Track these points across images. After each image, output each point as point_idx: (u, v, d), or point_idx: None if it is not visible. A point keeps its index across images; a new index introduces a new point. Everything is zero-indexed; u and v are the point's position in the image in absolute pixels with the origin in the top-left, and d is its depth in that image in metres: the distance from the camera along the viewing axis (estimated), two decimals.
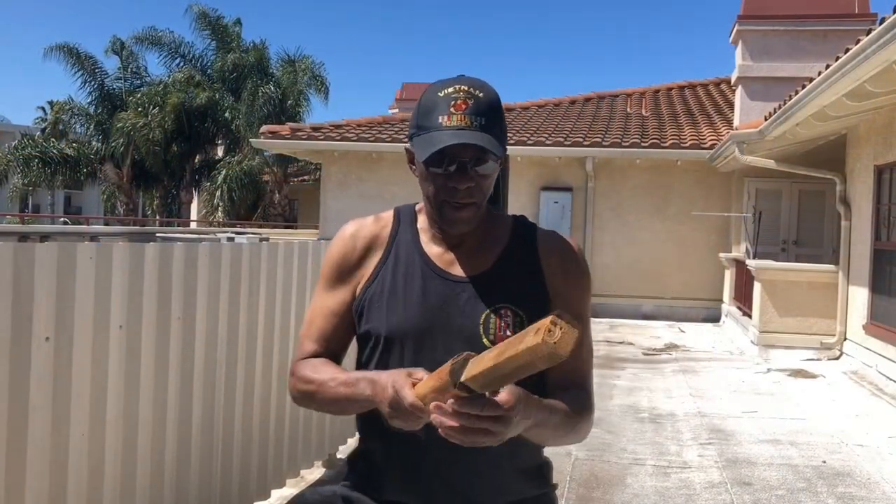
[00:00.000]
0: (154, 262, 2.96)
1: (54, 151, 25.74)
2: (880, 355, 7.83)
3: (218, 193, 24.16)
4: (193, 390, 3.25)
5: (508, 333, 1.37)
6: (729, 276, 13.02)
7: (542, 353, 1.07)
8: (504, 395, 1.16)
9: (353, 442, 5.18)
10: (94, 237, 13.08)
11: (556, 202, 13.80)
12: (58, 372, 2.50)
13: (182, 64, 26.87)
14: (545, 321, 1.08)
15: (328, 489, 4.38)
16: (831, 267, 9.74)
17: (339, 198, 14.70)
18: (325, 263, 1.54)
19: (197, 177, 26.91)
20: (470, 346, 1.32)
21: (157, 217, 28.03)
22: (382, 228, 1.51)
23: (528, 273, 1.45)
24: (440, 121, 1.34)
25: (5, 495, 2.33)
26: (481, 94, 1.36)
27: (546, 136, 13.93)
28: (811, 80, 7.36)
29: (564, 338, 1.08)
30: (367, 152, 14.33)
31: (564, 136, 13.92)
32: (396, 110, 23.45)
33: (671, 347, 10.38)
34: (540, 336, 1.07)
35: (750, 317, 10.24)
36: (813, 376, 8.42)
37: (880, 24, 5.63)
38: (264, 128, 15.45)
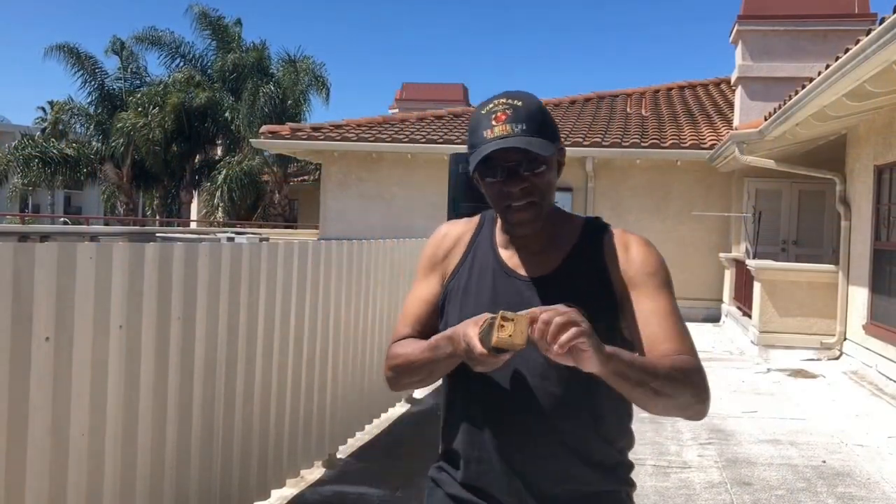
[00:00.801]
0: (154, 262, 2.96)
1: (54, 151, 25.75)
2: (880, 355, 7.83)
3: (218, 193, 24.16)
4: (193, 390, 3.25)
5: None
6: (729, 276, 13.02)
7: (505, 344, 1.23)
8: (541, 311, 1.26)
9: (353, 442, 5.20)
10: (94, 237, 13.09)
11: (556, 202, 13.78)
12: (58, 372, 2.50)
13: (182, 64, 26.88)
14: (497, 319, 1.24)
15: (328, 489, 4.38)
16: (831, 267, 9.74)
17: (339, 198, 14.70)
18: (420, 259, 1.69)
19: (197, 177, 26.92)
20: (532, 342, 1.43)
21: (157, 217, 28.03)
22: (468, 230, 1.64)
23: (594, 272, 1.50)
24: (484, 135, 1.44)
25: (5, 495, 2.33)
26: (520, 104, 1.45)
27: None
28: (811, 80, 7.36)
29: (517, 328, 1.22)
30: (367, 152, 14.33)
31: (564, 136, 13.91)
32: (396, 110, 23.44)
33: None
34: (495, 336, 1.23)
35: (750, 317, 10.24)
36: (813, 376, 8.42)
37: (880, 24, 5.63)
38: (264, 128, 15.45)
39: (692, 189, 13.73)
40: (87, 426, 2.63)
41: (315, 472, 4.61)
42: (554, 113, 16.34)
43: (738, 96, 13.57)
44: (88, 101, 26.39)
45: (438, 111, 16.63)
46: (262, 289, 3.79)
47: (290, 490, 4.28)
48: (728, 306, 12.81)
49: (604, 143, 13.42)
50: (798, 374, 8.53)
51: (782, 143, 9.81)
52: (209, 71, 26.72)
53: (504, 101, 1.46)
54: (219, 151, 27.67)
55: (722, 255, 13.16)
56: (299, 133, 14.98)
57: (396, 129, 14.78)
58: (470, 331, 1.31)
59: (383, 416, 5.86)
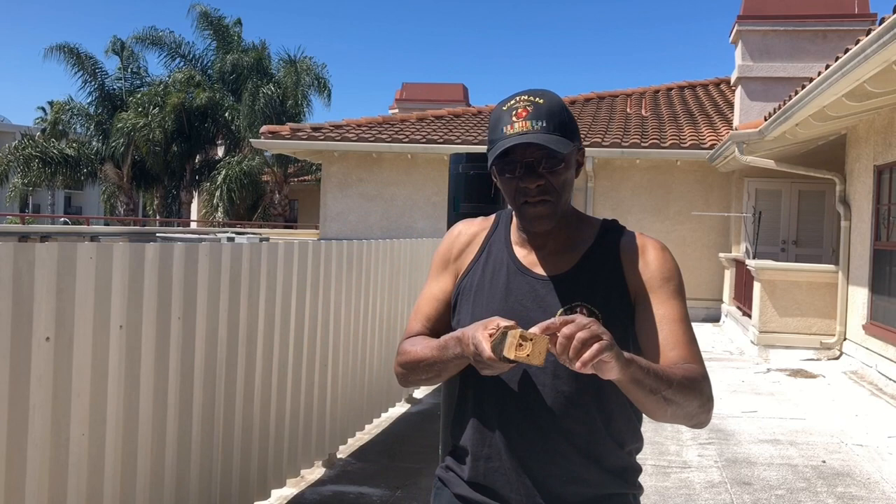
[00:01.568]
0: (154, 262, 2.97)
1: (54, 151, 25.76)
2: (880, 355, 7.83)
3: (218, 193, 24.17)
4: (193, 390, 3.25)
5: None
6: (729, 276, 13.02)
7: (522, 361, 1.21)
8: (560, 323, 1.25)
9: (353, 442, 5.20)
10: (94, 237, 13.09)
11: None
12: (58, 372, 2.50)
13: (182, 64, 26.90)
14: (515, 337, 1.21)
15: (328, 489, 4.39)
16: (831, 267, 9.74)
17: (339, 198, 14.70)
18: (434, 256, 1.69)
19: (197, 177, 26.93)
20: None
21: (157, 217, 28.04)
22: (483, 229, 1.64)
23: (608, 273, 1.50)
24: (504, 130, 1.44)
25: (5, 495, 2.33)
26: (541, 101, 1.45)
27: None
28: (811, 80, 7.36)
29: (536, 348, 1.20)
30: (367, 152, 14.33)
31: None
32: (396, 110, 23.44)
33: None
34: (512, 352, 1.21)
35: (750, 317, 10.24)
36: (813, 376, 8.42)
37: (880, 24, 5.63)
38: (264, 128, 15.45)
39: (692, 189, 13.73)
40: (87, 426, 2.63)
41: (315, 472, 4.61)
42: None
43: (738, 96, 13.57)
44: (88, 101, 26.45)
45: (438, 111, 16.63)
46: (262, 289, 3.79)
47: (291, 490, 4.28)
48: (728, 306, 12.81)
49: (604, 143, 13.42)
50: (798, 373, 8.53)
51: (782, 144, 9.81)
52: (209, 71, 26.74)
53: (526, 97, 1.46)
54: (219, 151, 27.67)
55: (722, 255, 13.16)
56: (299, 133, 14.98)
57: (396, 129, 14.78)
58: (479, 334, 1.31)
59: (383, 416, 5.86)
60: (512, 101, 1.46)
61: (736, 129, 10.60)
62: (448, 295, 1.62)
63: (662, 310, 1.48)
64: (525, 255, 1.55)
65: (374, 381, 5.47)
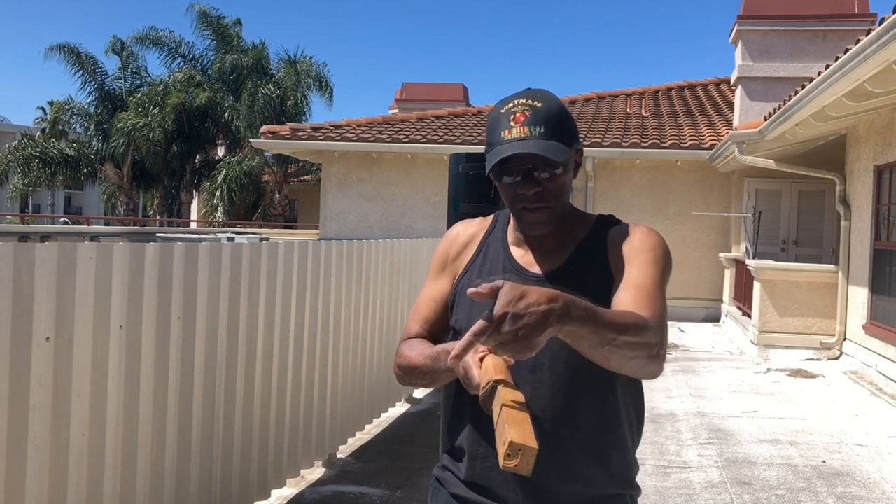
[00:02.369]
0: (154, 262, 2.97)
1: (54, 151, 25.76)
2: (880, 355, 7.83)
3: (218, 193, 24.17)
4: (193, 390, 3.25)
5: None
6: (729, 276, 13.02)
7: (501, 448, 1.15)
8: (496, 305, 1.18)
9: (353, 442, 5.20)
10: (94, 237, 13.09)
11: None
12: (58, 372, 2.50)
13: (182, 64, 26.90)
14: (505, 444, 1.13)
15: (328, 489, 4.39)
16: (831, 267, 9.74)
17: (339, 198, 14.70)
18: (433, 257, 1.70)
19: (197, 177, 26.93)
20: None
21: (158, 217, 28.04)
22: (481, 230, 1.65)
23: (596, 266, 1.51)
24: (502, 135, 1.44)
25: (5, 495, 2.33)
26: (540, 105, 1.44)
27: None
28: (811, 80, 7.36)
29: (524, 459, 1.13)
30: (367, 152, 14.33)
31: None
32: (396, 110, 23.44)
33: (671, 347, 10.37)
34: (501, 460, 1.14)
35: (750, 317, 10.24)
36: (813, 376, 8.42)
37: (880, 24, 5.63)
38: (264, 128, 15.45)
39: (692, 189, 13.73)
40: (87, 426, 2.63)
41: (315, 472, 4.61)
42: None
43: (738, 96, 13.57)
44: (88, 101, 26.45)
45: (438, 111, 16.64)
46: (262, 289, 3.79)
47: (291, 490, 4.28)
48: (728, 306, 12.81)
49: (604, 143, 13.42)
50: (798, 373, 8.53)
51: (782, 144, 9.81)
52: (209, 71, 26.73)
53: (524, 101, 1.45)
54: (219, 151, 27.67)
55: (722, 255, 13.16)
56: (299, 133, 14.98)
57: (396, 129, 14.78)
58: (469, 357, 1.30)
59: (383, 416, 5.86)
60: (510, 105, 1.46)
61: (736, 129, 10.60)
62: (446, 296, 1.63)
63: (634, 275, 1.45)
64: (521, 255, 1.56)
65: (374, 380, 5.47)
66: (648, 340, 1.34)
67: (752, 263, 9.95)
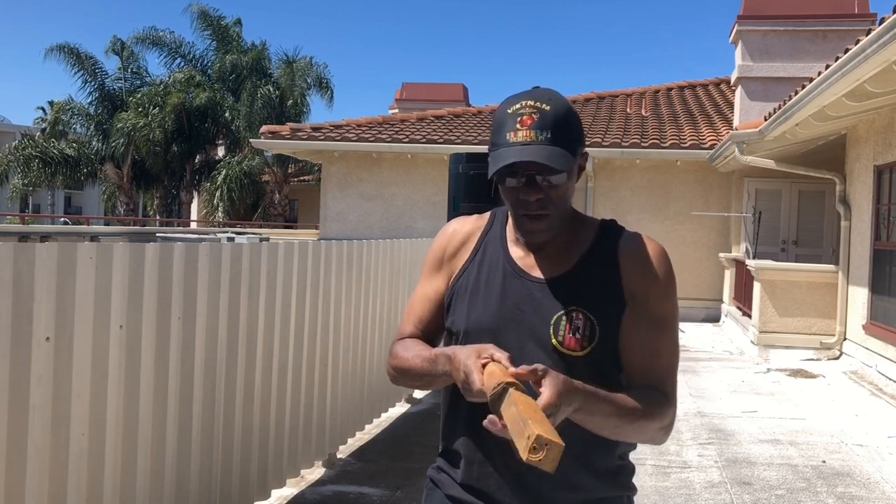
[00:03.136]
0: (154, 262, 2.97)
1: (54, 151, 25.76)
2: (880, 355, 7.83)
3: (218, 193, 24.17)
4: (193, 390, 3.25)
5: (577, 336, 1.43)
6: (729, 276, 13.02)
7: (521, 444, 1.13)
8: (546, 393, 1.21)
9: (353, 442, 5.20)
10: (94, 237, 13.09)
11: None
12: (58, 372, 2.50)
13: (182, 64, 26.91)
14: (531, 438, 1.12)
15: (328, 489, 4.39)
16: (831, 267, 9.74)
17: (339, 198, 14.70)
18: (427, 255, 1.65)
19: (197, 177, 26.93)
20: (540, 345, 1.43)
21: (158, 217, 28.04)
22: (478, 228, 1.60)
23: (606, 277, 1.47)
24: (507, 137, 1.40)
25: (5, 495, 2.33)
26: (548, 108, 1.40)
27: None
28: (811, 80, 7.36)
29: (549, 455, 1.12)
30: (367, 152, 14.33)
31: None
32: (396, 110, 23.44)
33: None
34: (525, 454, 1.12)
35: (750, 317, 10.24)
36: (813, 376, 8.42)
37: (880, 24, 5.63)
38: (264, 128, 15.45)
39: (692, 189, 13.73)
40: (87, 426, 2.63)
41: (315, 472, 4.61)
42: None
43: (738, 96, 13.57)
44: (89, 101, 26.44)
45: (438, 111, 16.63)
46: (262, 289, 3.79)
47: (291, 490, 4.28)
48: (728, 306, 12.81)
49: (604, 143, 13.42)
50: (798, 373, 8.53)
51: (782, 144, 9.81)
52: (209, 71, 26.73)
53: (532, 103, 1.41)
54: (219, 152, 27.67)
55: (722, 255, 13.16)
56: (299, 133, 14.98)
57: (396, 129, 14.78)
58: (471, 362, 1.28)
59: (383, 415, 5.86)
60: (517, 106, 1.42)
61: (736, 129, 10.60)
62: (441, 296, 1.59)
63: (652, 315, 1.45)
64: (522, 257, 1.52)
65: (374, 380, 5.47)
66: (662, 424, 1.43)
67: (752, 263, 9.95)
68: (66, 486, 2.54)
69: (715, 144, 12.56)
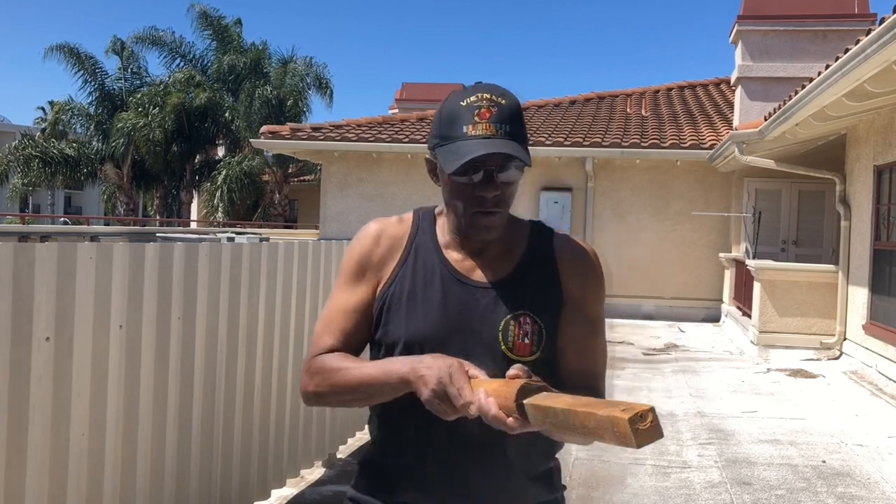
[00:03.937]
0: (154, 262, 2.97)
1: (54, 151, 25.77)
2: (880, 355, 7.83)
3: (218, 193, 24.17)
4: (193, 390, 3.25)
5: (526, 341, 1.39)
6: (729, 276, 13.02)
7: (618, 430, 1.03)
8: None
9: (353, 442, 5.19)
10: (94, 237, 13.09)
11: (555, 202, 13.80)
12: (58, 372, 2.50)
13: (182, 64, 26.91)
14: (644, 406, 1.04)
15: (328, 489, 4.39)
16: (831, 267, 9.74)
17: (339, 198, 14.70)
18: (346, 260, 1.51)
19: (197, 177, 26.93)
20: (489, 352, 1.37)
21: (158, 217, 28.04)
22: (404, 230, 1.50)
23: (547, 279, 1.45)
24: (464, 130, 1.34)
25: (5, 495, 2.33)
26: (504, 102, 1.36)
27: (546, 136, 13.93)
28: (811, 80, 7.36)
29: (648, 431, 1.03)
30: (367, 152, 14.33)
31: (564, 136, 13.92)
32: (396, 110, 23.44)
33: (671, 347, 10.38)
34: (628, 414, 1.03)
35: (750, 317, 10.24)
36: (813, 376, 8.42)
37: (880, 24, 5.63)
38: (264, 128, 15.45)
39: (692, 189, 13.73)
40: (87, 426, 2.63)
41: (315, 472, 4.61)
42: (554, 113, 16.36)
43: (738, 96, 13.57)
44: (89, 101, 26.45)
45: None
46: (262, 289, 3.79)
47: (290, 490, 4.28)
48: (728, 306, 12.81)
49: (604, 143, 13.42)
50: (798, 373, 8.53)
51: (782, 144, 9.81)
52: (209, 71, 26.73)
53: (488, 96, 1.35)
54: (219, 151, 27.68)
55: (722, 255, 13.17)
56: (299, 133, 14.98)
57: (396, 129, 14.78)
58: (460, 376, 1.20)
59: None
60: (473, 98, 1.35)
61: (736, 129, 10.60)
62: (368, 306, 1.45)
63: (587, 315, 1.46)
64: (459, 261, 1.45)
65: None
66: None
67: (751, 263, 9.95)
68: (66, 486, 2.54)
69: (715, 144, 12.56)
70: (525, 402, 1.13)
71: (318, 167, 16.87)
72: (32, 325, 2.39)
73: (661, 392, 7.32)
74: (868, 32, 5.88)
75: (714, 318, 13.49)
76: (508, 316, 1.40)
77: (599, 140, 13.55)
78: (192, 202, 27.54)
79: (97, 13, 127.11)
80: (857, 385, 7.86)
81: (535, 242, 1.49)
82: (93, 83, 26.15)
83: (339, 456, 4.93)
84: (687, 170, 13.62)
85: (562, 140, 13.68)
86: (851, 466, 5.12)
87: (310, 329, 4.37)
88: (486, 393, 1.18)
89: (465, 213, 1.39)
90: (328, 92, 25.45)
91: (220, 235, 13.56)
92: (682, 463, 5.11)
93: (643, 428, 1.03)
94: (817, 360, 9.23)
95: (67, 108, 27.13)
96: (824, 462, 5.20)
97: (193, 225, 26.23)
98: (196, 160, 26.81)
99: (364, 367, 1.36)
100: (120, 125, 24.17)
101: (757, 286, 9.67)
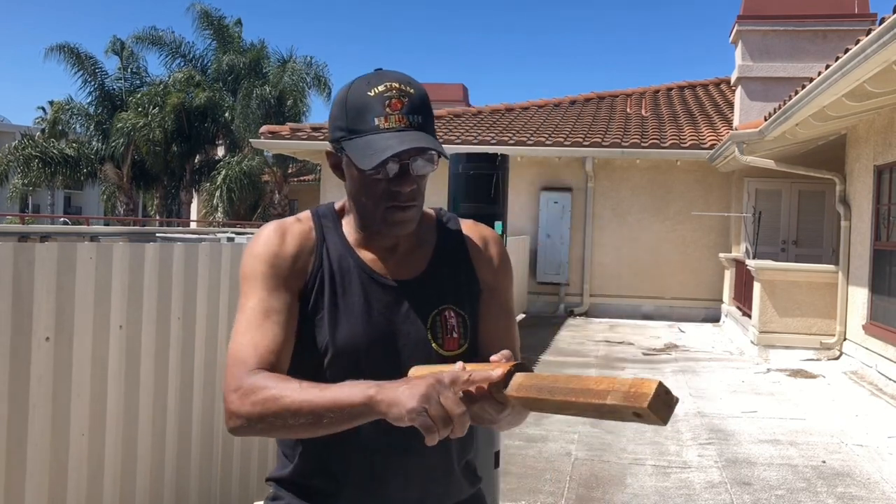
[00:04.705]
0: (154, 262, 2.97)
1: (54, 151, 25.76)
2: (880, 355, 7.83)
3: (218, 194, 24.17)
4: (193, 390, 3.25)
5: (455, 335, 1.36)
6: (729, 276, 13.02)
7: (638, 389, 0.97)
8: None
9: None
10: (94, 237, 13.08)
11: (555, 202, 13.80)
12: (58, 372, 2.50)
13: (182, 64, 26.90)
14: (651, 385, 0.96)
15: None
16: (831, 267, 9.74)
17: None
18: (252, 265, 1.34)
19: (197, 177, 26.93)
20: (420, 351, 1.32)
21: (157, 217, 28.04)
22: (307, 231, 1.38)
23: (462, 270, 1.42)
24: (376, 122, 1.26)
25: (5, 495, 2.33)
26: (413, 90, 1.29)
27: (546, 136, 13.93)
28: (811, 80, 7.36)
29: (665, 407, 0.97)
30: None
31: (564, 136, 13.92)
32: None
33: (671, 347, 10.38)
34: (656, 381, 0.97)
35: (750, 317, 10.24)
36: (812, 376, 8.42)
37: (880, 24, 5.63)
38: (264, 128, 15.45)
39: (692, 189, 13.73)
40: (87, 426, 2.63)
41: None
42: (554, 113, 16.36)
43: (738, 96, 13.57)
44: (88, 101, 26.43)
45: (438, 111, 16.62)
46: None
47: None
48: (728, 306, 12.81)
49: (604, 143, 13.42)
50: (798, 374, 8.53)
51: (782, 144, 9.81)
52: (209, 71, 26.74)
53: (397, 85, 1.27)
54: (219, 152, 27.68)
55: (722, 255, 13.16)
56: (299, 133, 14.98)
57: None
58: (451, 401, 1.06)
59: None
60: (381, 88, 1.26)
61: (736, 129, 10.60)
62: (293, 310, 1.32)
63: (502, 302, 1.44)
64: (374, 260, 1.37)
65: None
66: None
67: (751, 263, 9.95)
68: (66, 486, 2.54)
69: (715, 144, 12.56)
70: (509, 393, 1.08)
71: (318, 167, 16.86)
72: (32, 325, 2.39)
73: None
74: (868, 32, 5.88)
75: (714, 319, 13.49)
76: (434, 312, 1.36)
77: (599, 140, 13.54)
78: (191, 202, 27.54)
79: (97, 13, 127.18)
80: (857, 385, 7.86)
81: (444, 232, 1.45)
82: (93, 83, 26.15)
83: None
84: (687, 170, 13.62)
85: (562, 140, 13.67)
86: (851, 466, 5.12)
87: None
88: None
89: (379, 208, 1.32)
90: (327, 91, 25.47)
91: (220, 235, 13.57)
92: (682, 463, 5.11)
93: (664, 400, 0.96)
94: (817, 360, 9.23)
95: (67, 107, 27.12)
96: (824, 462, 5.20)
97: (193, 225, 26.22)
98: (196, 160, 26.81)
99: (310, 388, 1.16)
100: (120, 125, 24.17)
101: (757, 286, 9.67)
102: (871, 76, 6.22)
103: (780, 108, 8.53)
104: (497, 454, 3.13)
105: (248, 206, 25.84)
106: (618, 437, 5.65)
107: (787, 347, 9.39)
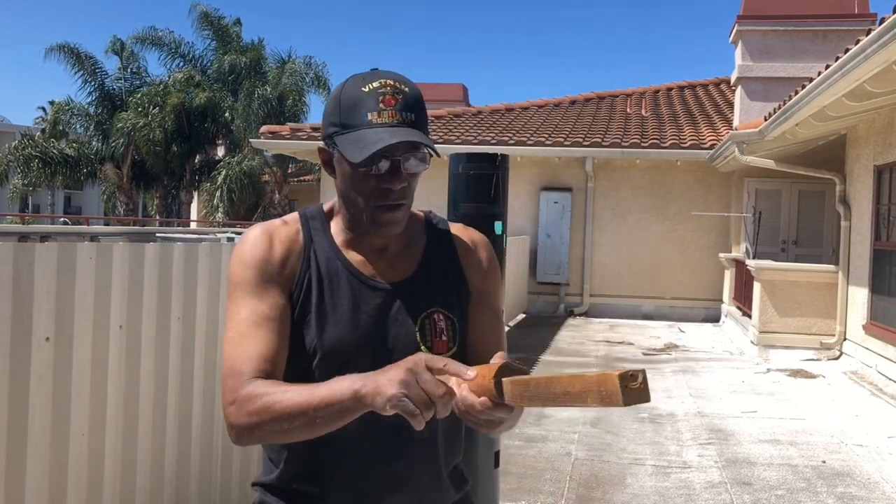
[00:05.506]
0: (154, 262, 2.97)
1: (54, 151, 25.76)
2: (880, 355, 7.83)
3: (218, 194, 24.16)
4: (193, 390, 3.25)
5: (444, 338, 1.36)
6: (729, 276, 13.02)
7: (606, 388, 1.00)
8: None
9: None
10: (94, 237, 13.08)
11: (555, 202, 13.80)
12: (58, 372, 2.50)
13: (182, 64, 26.90)
14: (636, 368, 1.02)
15: None
16: (831, 267, 9.74)
17: None
18: (240, 271, 1.32)
19: (197, 177, 26.93)
20: (409, 353, 1.27)
21: (157, 217, 28.04)
22: (294, 233, 1.37)
23: (451, 273, 1.42)
24: (369, 118, 1.25)
25: (5, 495, 2.33)
26: (407, 89, 1.29)
27: (546, 136, 13.93)
28: (811, 80, 7.36)
29: (637, 392, 1.00)
30: None
31: (564, 136, 13.92)
32: None
33: (671, 347, 10.38)
34: (618, 371, 1.01)
35: (750, 317, 10.24)
36: (813, 376, 8.42)
37: (880, 24, 5.63)
38: (264, 128, 15.44)
39: (692, 189, 13.73)
40: (87, 426, 2.63)
41: None
42: (554, 113, 16.36)
43: (738, 96, 13.57)
44: (88, 101, 26.43)
45: (438, 111, 16.62)
46: None
47: None
48: (728, 306, 12.81)
49: (604, 143, 13.42)
50: (798, 374, 8.53)
51: (782, 144, 9.81)
52: (209, 71, 26.74)
53: (392, 83, 1.27)
54: (219, 152, 27.68)
55: (722, 255, 13.17)
56: (299, 133, 14.98)
57: None
58: (439, 390, 1.05)
59: None
60: (375, 84, 1.27)
61: (736, 129, 10.60)
62: (285, 314, 1.30)
63: (491, 305, 1.45)
64: (362, 262, 1.36)
65: None
66: None
67: (751, 263, 9.95)
68: (66, 486, 2.54)
69: (715, 144, 12.56)
70: (505, 379, 1.09)
71: (318, 167, 16.85)
72: (32, 325, 2.39)
73: (662, 392, 7.32)
74: (868, 32, 5.88)
75: (714, 319, 13.49)
76: (423, 315, 1.36)
77: (599, 140, 13.54)
78: (191, 202, 27.53)
79: (97, 13, 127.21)
80: (857, 385, 7.86)
81: (433, 234, 1.45)
82: (93, 83, 26.14)
83: None
84: (687, 170, 13.62)
85: (562, 140, 13.67)
86: (851, 466, 5.12)
87: None
88: (456, 382, 1.10)
89: (368, 206, 1.31)
90: (326, 91, 25.45)
91: (220, 235, 13.57)
92: (682, 463, 5.11)
93: (633, 387, 1.00)
94: (817, 360, 9.23)
95: (67, 108, 27.11)
96: (824, 462, 5.20)
97: (193, 225, 26.22)
98: (196, 160, 26.80)
99: (303, 390, 1.17)
100: (120, 125, 24.16)
101: (757, 286, 9.67)
102: (870, 76, 6.22)
103: (780, 108, 8.53)
104: (497, 454, 3.13)
105: (249, 206, 25.83)
106: (618, 437, 5.66)
107: (787, 347, 9.40)
